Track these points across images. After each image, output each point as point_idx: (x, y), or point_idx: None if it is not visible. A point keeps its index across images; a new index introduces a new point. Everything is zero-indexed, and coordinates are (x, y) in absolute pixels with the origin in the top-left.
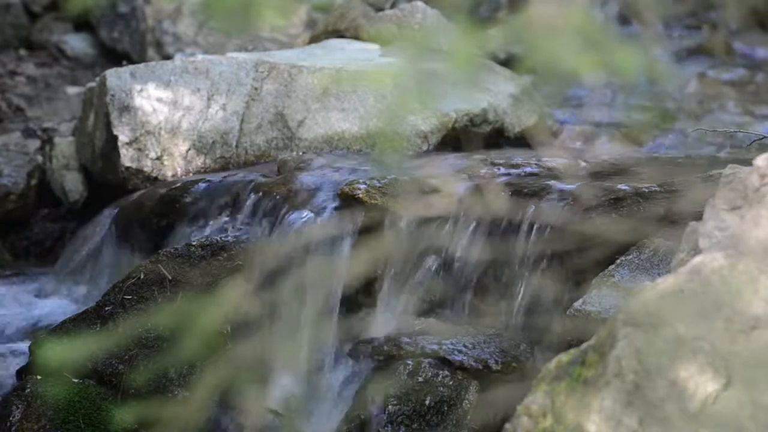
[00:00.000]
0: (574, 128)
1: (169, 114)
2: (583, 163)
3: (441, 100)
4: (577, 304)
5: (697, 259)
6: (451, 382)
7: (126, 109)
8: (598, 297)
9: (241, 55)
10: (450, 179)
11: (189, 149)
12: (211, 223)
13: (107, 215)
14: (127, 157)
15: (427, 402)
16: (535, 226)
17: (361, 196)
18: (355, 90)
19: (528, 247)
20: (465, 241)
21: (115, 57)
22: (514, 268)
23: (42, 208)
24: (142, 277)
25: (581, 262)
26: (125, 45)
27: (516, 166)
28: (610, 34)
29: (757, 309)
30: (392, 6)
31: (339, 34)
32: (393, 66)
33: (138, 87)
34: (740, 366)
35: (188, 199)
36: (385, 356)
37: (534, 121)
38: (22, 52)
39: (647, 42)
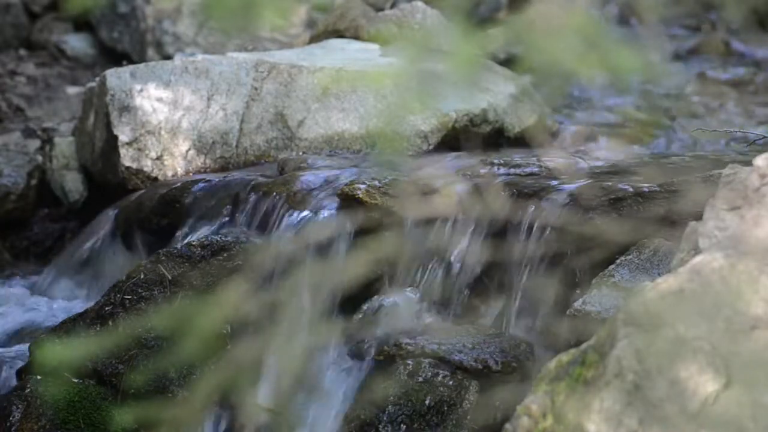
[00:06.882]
0: (574, 128)
1: (169, 114)
2: (583, 163)
3: (441, 100)
4: (577, 304)
5: (697, 259)
6: (451, 382)
7: (126, 109)
8: (598, 297)
9: (241, 55)
10: (450, 179)
11: (189, 149)
12: (211, 223)
13: (107, 215)
14: (127, 157)
15: (427, 402)
16: (534, 227)
17: (361, 196)
18: (355, 90)
19: (528, 247)
20: (465, 241)
21: (115, 57)
22: (513, 268)
23: (42, 208)
24: (142, 277)
25: (581, 262)
26: (125, 45)
27: (516, 166)
28: (610, 35)
29: (757, 309)
30: (392, 6)
31: (339, 34)
32: (393, 66)
33: (138, 87)
34: (740, 366)
35: (188, 199)
36: (385, 356)
37: (534, 121)
38: (22, 52)
39: (647, 42)
